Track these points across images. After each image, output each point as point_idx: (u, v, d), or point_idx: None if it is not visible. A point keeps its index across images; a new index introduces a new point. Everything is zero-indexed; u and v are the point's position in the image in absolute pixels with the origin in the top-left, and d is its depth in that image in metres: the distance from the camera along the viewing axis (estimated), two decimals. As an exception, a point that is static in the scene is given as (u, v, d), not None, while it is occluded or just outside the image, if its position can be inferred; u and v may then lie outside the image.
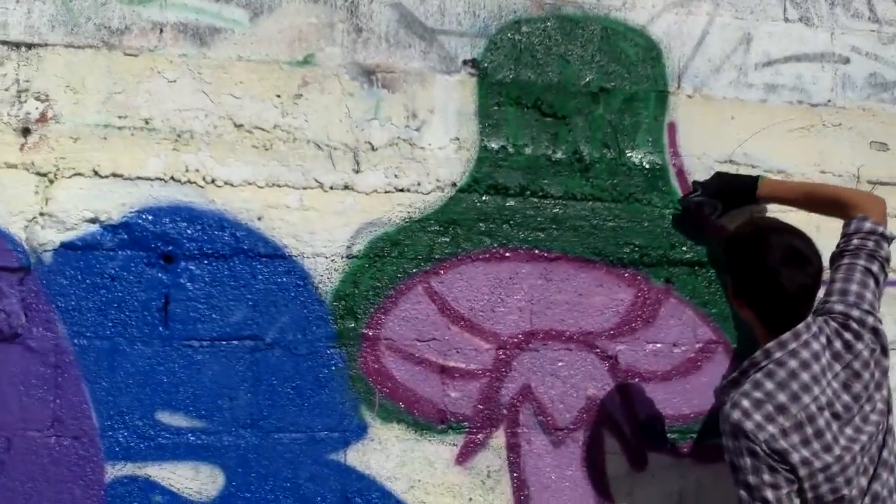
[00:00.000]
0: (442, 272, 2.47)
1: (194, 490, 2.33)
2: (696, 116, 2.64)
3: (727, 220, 2.57)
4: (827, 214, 2.41)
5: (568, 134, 2.56)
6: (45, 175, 2.30)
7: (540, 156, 2.54)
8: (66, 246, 2.30)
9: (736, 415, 2.05)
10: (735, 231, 2.33)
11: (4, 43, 2.31)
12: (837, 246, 2.28)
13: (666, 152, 2.62)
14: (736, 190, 2.54)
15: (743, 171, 2.64)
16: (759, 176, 2.54)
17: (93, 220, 2.31)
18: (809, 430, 2.03)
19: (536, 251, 2.53)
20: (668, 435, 2.57)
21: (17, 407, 2.26)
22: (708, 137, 2.65)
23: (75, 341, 2.29)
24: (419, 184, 2.47)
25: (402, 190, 2.46)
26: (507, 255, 2.51)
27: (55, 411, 2.27)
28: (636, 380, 2.56)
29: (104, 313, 2.31)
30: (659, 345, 2.58)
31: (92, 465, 2.29)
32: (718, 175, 2.58)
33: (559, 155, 2.55)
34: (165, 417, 2.32)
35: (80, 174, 2.31)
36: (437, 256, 2.47)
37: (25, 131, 2.29)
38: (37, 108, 2.31)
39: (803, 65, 2.72)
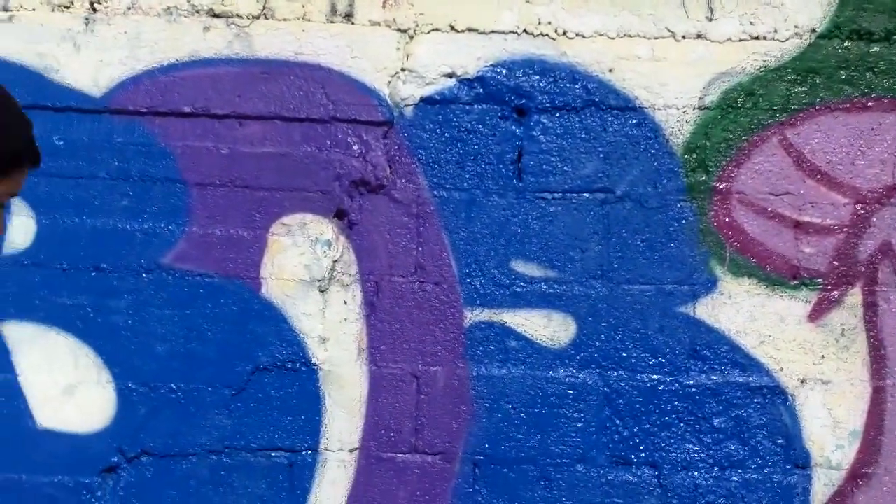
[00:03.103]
0: (798, 123, 2.38)
1: (547, 337, 2.40)
2: None
3: None
4: None
5: (943, -29, 2.37)
6: (405, 31, 2.38)
7: (910, -3, 2.38)
8: (426, 100, 2.38)
9: None
10: None
11: None
12: None
13: None
14: None
15: None
16: None
17: (449, 75, 2.38)
18: None
19: (902, 100, 2.39)
20: None
21: (384, 254, 2.40)
22: None
23: (435, 192, 2.39)
24: (776, 31, 2.37)
25: (757, 38, 2.37)
26: (869, 104, 2.38)
27: (418, 258, 2.40)
28: None
29: (462, 166, 2.39)
30: None
31: (452, 309, 2.40)
32: None
33: (932, -5, 2.37)
34: (519, 266, 2.40)
35: (437, 30, 2.38)
36: (793, 107, 2.38)
37: (387, -11, 2.38)
38: (397, -34, 2.38)
39: None
